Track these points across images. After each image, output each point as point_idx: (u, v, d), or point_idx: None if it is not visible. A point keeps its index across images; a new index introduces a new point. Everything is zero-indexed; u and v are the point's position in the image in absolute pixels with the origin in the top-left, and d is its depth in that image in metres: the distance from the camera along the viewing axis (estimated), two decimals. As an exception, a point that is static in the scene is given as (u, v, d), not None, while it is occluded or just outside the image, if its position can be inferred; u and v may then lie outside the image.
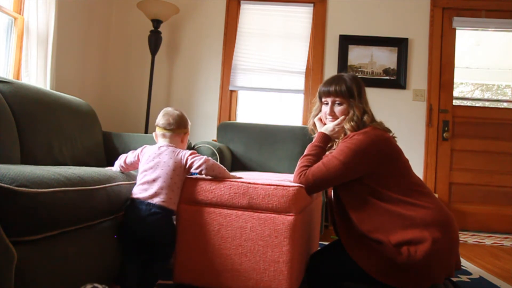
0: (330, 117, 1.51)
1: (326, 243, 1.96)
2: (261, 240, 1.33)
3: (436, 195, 2.80)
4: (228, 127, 3.03)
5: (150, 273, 1.38)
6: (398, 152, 1.44)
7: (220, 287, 1.37)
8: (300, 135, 2.85)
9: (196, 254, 1.39)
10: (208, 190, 1.39)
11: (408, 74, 3.34)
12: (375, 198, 1.37)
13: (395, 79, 3.33)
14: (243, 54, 3.46)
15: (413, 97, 3.33)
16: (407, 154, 1.50)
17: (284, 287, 1.31)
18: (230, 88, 3.45)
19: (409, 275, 1.28)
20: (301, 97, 3.48)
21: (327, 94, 1.50)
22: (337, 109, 1.49)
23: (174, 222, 1.45)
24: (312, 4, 3.44)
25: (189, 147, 2.50)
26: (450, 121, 3.32)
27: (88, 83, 3.21)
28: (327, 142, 1.50)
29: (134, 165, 1.52)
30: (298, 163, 1.46)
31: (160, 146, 1.45)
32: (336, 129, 1.49)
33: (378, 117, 1.52)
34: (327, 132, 1.49)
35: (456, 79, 3.41)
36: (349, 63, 3.37)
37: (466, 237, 3.04)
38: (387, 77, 3.34)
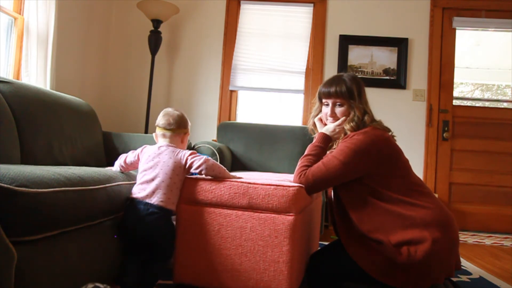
0: (331, 118, 1.51)
1: (326, 243, 1.96)
2: (261, 240, 1.33)
3: (436, 195, 2.80)
4: (228, 127, 3.03)
5: (150, 273, 1.38)
6: (398, 152, 1.45)
7: (220, 287, 1.37)
8: (300, 135, 2.85)
9: (196, 254, 1.39)
10: (208, 190, 1.39)
11: (408, 74, 3.34)
12: (375, 198, 1.37)
13: (395, 79, 3.33)
14: (243, 54, 3.46)
15: (413, 97, 3.33)
16: (407, 154, 1.50)
17: (284, 287, 1.31)
18: (230, 88, 3.45)
19: (409, 275, 1.28)
20: (301, 97, 3.48)
21: (328, 95, 1.50)
22: (338, 110, 1.49)
23: (174, 222, 1.45)
24: (312, 4, 3.44)
25: (189, 147, 2.50)
26: (450, 121, 3.32)
27: (88, 83, 3.21)
28: (328, 143, 1.50)
29: (134, 165, 1.52)
30: (298, 163, 1.47)
31: (160, 146, 1.45)
32: (337, 130, 1.49)
33: (378, 117, 1.52)
34: (327, 133, 1.49)
35: (456, 79, 3.41)
36: (349, 63, 3.37)
37: (466, 237, 3.04)
38: (387, 77, 3.34)
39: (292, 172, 1.55)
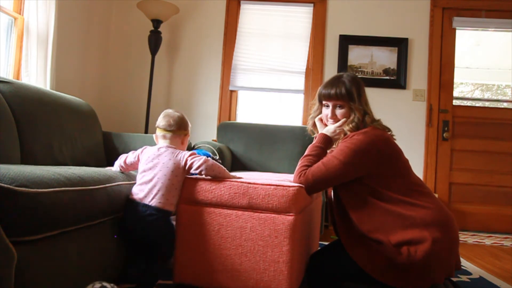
0: (332, 120, 1.51)
1: (326, 243, 1.96)
2: (261, 240, 1.33)
3: (436, 195, 2.80)
4: (228, 127, 3.03)
5: (150, 273, 1.38)
6: (398, 152, 1.45)
7: (220, 287, 1.37)
8: (300, 135, 2.85)
9: (196, 254, 1.39)
10: (208, 190, 1.39)
11: (408, 74, 3.34)
12: (375, 198, 1.37)
13: (395, 79, 3.33)
14: (243, 54, 3.46)
15: (413, 97, 3.33)
16: (407, 154, 1.50)
17: (284, 287, 1.31)
18: (230, 88, 3.45)
19: (409, 275, 1.28)
20: (301, 97, 3.48)
21: (328, 97, 1.50)
22: (338, 112, 1.49)
23: (174, 222, 1.45)
24: (312, 4, 3.44)
25: (189, 147, 2.50)
26: (450, 121, 3.32)
27: (88, 83, 3.21)
28: (328, 143, 1.49)
29: (134, 165, 1.52)
30: (299, 163, 1.47)
31: (160, 147, 1.45)
32: (337, 131, 1.49)
33: (378, 117, 1.52)
34: (328, 134, 1.49)
35: (456, 79, 3.41)
36: (349, 63, 3.37)
37: (466, 237, 3.04)
38: (387, 77, 3.34)
39: (292, 172, 1.55)
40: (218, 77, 3.46)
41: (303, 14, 3.46)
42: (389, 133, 1.48)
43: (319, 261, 1.52)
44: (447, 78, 3.34)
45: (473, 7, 3.33)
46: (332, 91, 1.48)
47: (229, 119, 3.45)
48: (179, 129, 1.50)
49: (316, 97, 1.58)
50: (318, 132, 1.57)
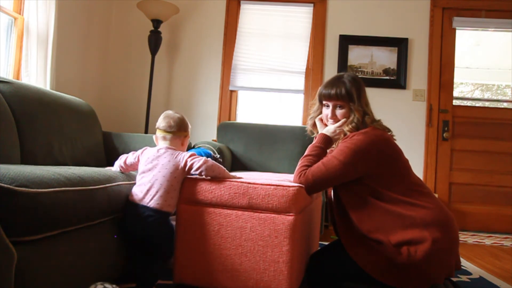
0: (332, 120, 1.51)
1: (326, 243, 1.96)
2: (261, 240, 1.33)
3: (436, 195, 2.80)
4: (228, 127, 3.03)
5: (150, 273, 1.38)
6: (398, 152, 1.45)
7: (220, 287, 1.37)
8: (300, 135, 2.85)
9: (196, 254, 1.39)
10: (208, 190, 1.39)
11: (408, 74, 3.34)
12: (375, 198, 1.37)
13: (395, 79, 3.33)
14: (243, 54, 3.46)
15: (413, 97, 3.33)
16: (407, 154, 1.50)
17: (284, 287, 1.31)
18: (230, 88, 3.45)
19: (409, 275, 1.28)
20: (301, 97, 3.48)
21: (328, 97, 1.50)
22: (339, 112, 1.49)
23: (173, 222, 1.45)
24: (312, 4, 3.44)
25: (189, 147, 2.50)
26: (450, 121, 3.32)
27: (88, 83, 3.21)
28: (328, 144, 1.50)
29: (134, 166, 1.52)
30: (299, 163, 1.47)
31: (159, 149, 1.45)
32: (337, 131, 1.49)
33: (378, 117, 1.52)
34: (328, 134, 1.49)
35: (456, 79, 3.41)
36: (349, 63, 3.37)
37: (466, 237, 3.04)
38: (387, 77, 3.34)
39: (292, 172, 1.55)
40: (218, 77, 3.46)
41: (303, 14, 3.46)
42: (389, 133, 1.48)
43: (319, 261, 1.52)
44: (447, 78, 3.34)
45: (473, 7, 3.33)
46: (333, 91, 1.48)
47: (229, 119, 3.45)
48: (179, 131, 1.49)
49: (316, 97, 1.58)
50: (318, 132, 1.57)
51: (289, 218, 1.32)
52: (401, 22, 3.37)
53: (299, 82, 3.41)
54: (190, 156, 1.42)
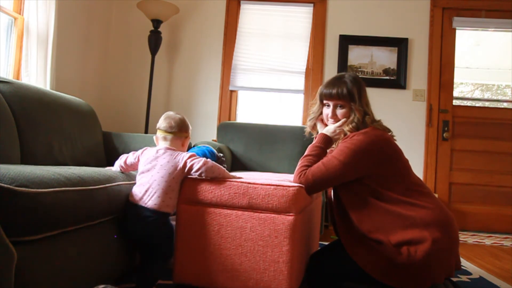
0: (332, 119, 1.51)
1: (326, 243, 1.96)
2: (261, 240, 1.33)
3: (436, 195, 2.80)
4: (228, 127, 3.03)
5: (149, 273, 1.38)
6: (398, 152, 1.45)
7: (220, 287, 1.37)
8: (300, 135, 2.84)
9: (196, 254, 1.39)
10: (208, 190, 1.39)
11: (408, 74, 3.34)
12: (375, 198, 1.37)
13: (395, 79, 3.33)
14: (243, 54, 3.46)
15: (413, 97, 3.33)
16: (407, 154, 1.50)
17: (284, 287, 1.31)
18: (230, 88, 3.45)
19: (409, 275, 1.28)
20: (301, 97, 3.48)
21: (329, 97, 1.50)
22: (339, 112, 1.49)
23: (173, 223, 1.45)
24: (312, 4, 3.44)
25: (189, 147, 2.50)
26: (450, 121, 3.32)
27: (88, 83, 3.21)
28: (328, 143, 1.49)
29: (134, 166, 1.52)
30: (299, 163, 1.47)
31: (159, 149, 1.45)
32: (337, 131, 1.49)
33: (378, 117, 1.52)
34: (328, 134, 1.49)
35: (456, 79, 3.41)
36: (349, 63, 3.37)
37: (466, 237, 3.04)
38: (387, 77, 3.34)
39: (292, 172, 1.55)
40: (218, 77, 3.46)
41: (303, 14, 3.46)
42: (389, 133, 1.48)
43: (319, 261, 1.52)
44: (447, 78, 3.34)
45: (473, 7, 3.33)
46: (334, 91, 1.47)
47: (229, 119, 3.45)
48: (180, 131, 1.49)
49: (317, 96, 1.57)
50: (317, 132, 1.57)
51: (289, 218, 1.32)
52: (401, 22, 3.37)
53: (299, 82, 3.41)
54: (189, 157, 1.42)
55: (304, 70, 3.40)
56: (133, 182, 1.47)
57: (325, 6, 3.41)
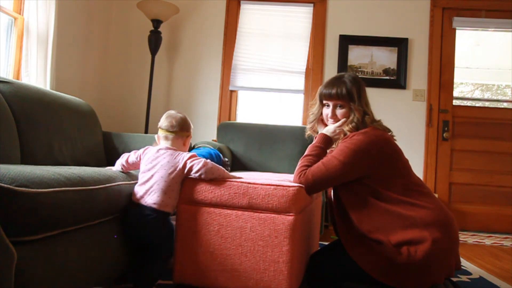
0: (332, 119, 1.51)
1: (326, 243, 1.96)
2: (261, 240, 1.33)
3: (436, 195, 2.80)
4: (228, 127, 3.03)
5: (149, 273, 1.38)
6: (398, 152, 1.45)
7: (220, 287, 1.37)
8: (300, 135, 2.85)
9: (196, 254, 1.39)
10: (208, 190, 1.39)
11: (408, 74, 3.34)
12: (375, 198, 1.37)
13: (395, 79, 3.33)
14: (243, 54, 3.46)
15: (413, 97, 3.33)
16: (407, 154, 1.50)
17: (284, 287, 1.31)
18: (230, 88, 3.45)
19: (409, 275, 1.28)
20: (301, 97, 3.48)
21: (329, 97, 1.50)
22: (339, 112, 1.49)
23: (173, 222, 1.45)
24: (312, 4, 3.44)
25: (190, 147, 2.50)
26: (450, 121, 3.32)
27: (88, 83, 3.21)
28: (328, 143, 1.50)
29: (135, 165, 1.52)
30: (298, 163, 1.47)
31: (160, 149, 1.45)
32: (337, 131, 1.49)
33: (378, 117, 1.52)
34: (328, 134, 1.49)
35: (456, 79, 3.41)
36: (349, 63, 3.37)
37: (466, 237, 3.04)
38: (387, 77, 3.34)
39: (292, 172, 1.55)
40: (218, 77, 3.46)
41: (303, 14, 3.46)
42: (389, 133, 1.48)
43: (319, 261, 1.52)
44: (447, 78, 3.34)
45: (473, 7, 3.33)
46: (333, 91, 1.48)
47: (229, 119, 3.45)
48: (181, 130, 1.49)
49: (317, 96, 1.57)
50: (317, 132, 1.57)
51: (289, 218, 1.32)
52: (401, 22, 3.37)
53: (299, 82, 3.41)
54: (189, 157, 1.41)
55: (304, 70, 3.40)
56: (133, 182, 1.47)
57: (325, 6, 3.41)
